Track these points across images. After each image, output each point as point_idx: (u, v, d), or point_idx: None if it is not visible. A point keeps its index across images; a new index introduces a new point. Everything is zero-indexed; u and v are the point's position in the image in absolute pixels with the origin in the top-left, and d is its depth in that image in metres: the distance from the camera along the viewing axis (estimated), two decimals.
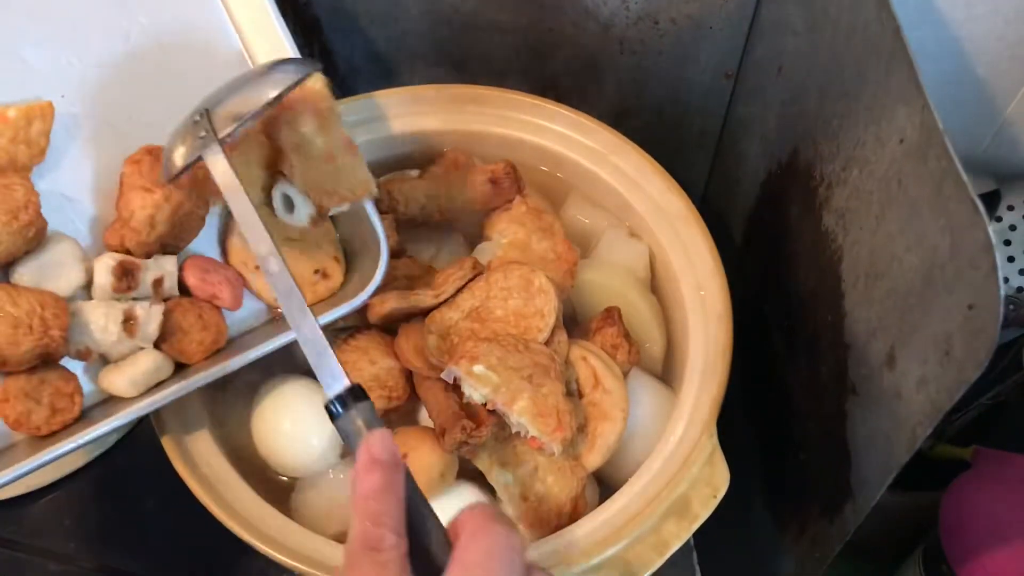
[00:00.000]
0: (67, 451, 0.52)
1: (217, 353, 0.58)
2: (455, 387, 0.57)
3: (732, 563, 0.74)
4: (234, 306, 0.59)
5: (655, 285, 0.68)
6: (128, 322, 0.54)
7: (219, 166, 0.51)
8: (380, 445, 0.40)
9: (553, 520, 0.56)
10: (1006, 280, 0.70)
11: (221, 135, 0.51)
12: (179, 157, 0.53)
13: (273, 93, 0.52)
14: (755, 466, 0.71)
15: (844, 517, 0.54)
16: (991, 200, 0.73)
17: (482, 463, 0.58)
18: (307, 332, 0.46)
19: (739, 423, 0.67)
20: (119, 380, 0.55)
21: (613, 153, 0.69)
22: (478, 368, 0.55)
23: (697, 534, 0.54)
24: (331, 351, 0.45)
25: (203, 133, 0.52)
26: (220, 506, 0.55)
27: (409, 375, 0.61)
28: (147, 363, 0.56)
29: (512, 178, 0.67)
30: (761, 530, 0.70)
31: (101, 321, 0.54)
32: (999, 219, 0.72)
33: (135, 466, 0.73)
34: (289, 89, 0.53)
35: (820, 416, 0.59)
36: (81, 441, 0.52)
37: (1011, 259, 0.71)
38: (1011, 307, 0.70)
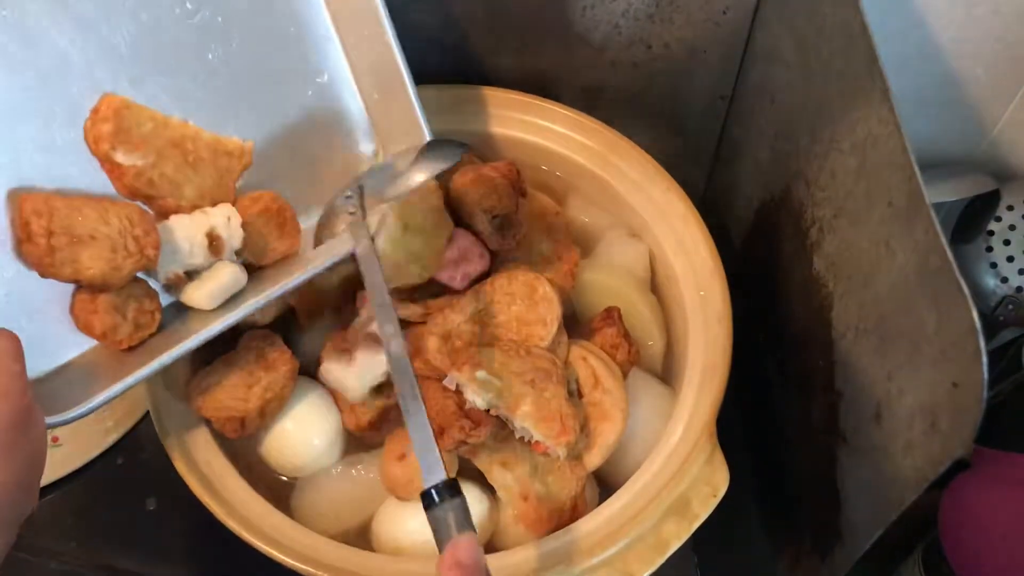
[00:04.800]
0: (158, 368, 0.52)
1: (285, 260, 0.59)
2: (456, 391, 0.57)
3: (732, 564, 0.73)
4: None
5: (655, 285, 0.68)
6: (213, 243, 0.55)
7: (363, 245, 0.54)
8: (466, 551, 0.42)
9: (553, 520, 0.56)
10: (1005, 280, 0.70)
11: (369, 216, 0.56)
12: (328, 231, 0.57)
13: (422, 178, 0.56)
14: (751, 482, 0.71)
15: (835, 559, 0.54)
16: (991, 200, 0.73)
17: (482, 463, 0.58)
18: (418, 421, 0.47)
19: (736, 432, 0.67)
20: (199, 294, 0.55)
21: (613, 153, 0.69)
22: (480, 374, 0.55)
23: (697, 534, 0.54)
24: (435, 443, 0.46)
25: (352, 210, 0.56)
26: (220, 506, 0.55)
27: None
28: (226, 277, 0.55)
29: (515, 180, 0.66)
30: (758, 548, 0.70)
31: (186, 246, 0.54)
32: (999, 219, 0.71)
33: (135, 466, 0.73)
34: (439, 173, 0.57)
35: (811, 454, 0.59)
36: (168, 359, 0.53)
37: (1011, 259, 0.70)
38: (1010, 307, 0.70)
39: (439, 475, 0.45)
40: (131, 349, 0.53)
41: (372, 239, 0.54)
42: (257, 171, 0.57)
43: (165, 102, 0.54)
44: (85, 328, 0.52)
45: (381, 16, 0.59)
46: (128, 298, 0.53)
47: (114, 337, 0.52)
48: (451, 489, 0.44)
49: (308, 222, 0.60)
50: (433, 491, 0.44)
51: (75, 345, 0.53)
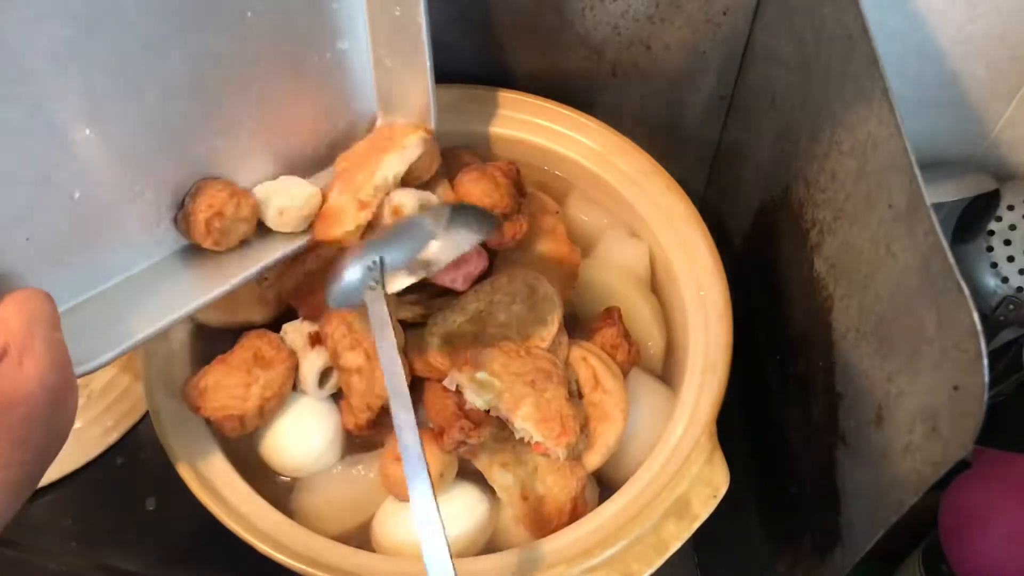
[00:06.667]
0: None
1: None
2: (456, 392, 0.57)
3: (732, 565, 0.74)
4: None
5: (655, 285, 0.68)
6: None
7: (379, 315, 0.52)
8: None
9: (553, 520, 0.56)
10: (1005, 280, 0.70)
11: (390, 290, 0.53)
12: (340, 296, 0.53)
13: (451, 257, 0.54)
14: (751, 482, 0.71)
15: (835, 560, 0.54)
16: (991, 200, 0.73)
17: (482, 463, 0.58)
18: (419, 497, 0.45)
19: (736, 432, 0.67)
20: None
21: (614, 153, 0.69)
22: (481, 375, 0.55)
23: (697, 534, 0.54)
24: (441, 525, 0.45)
25: (372, 284, 0.53)
26: (220, 506, 0.55)
27: None
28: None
29: (515, 179, 0.66)
30: (758, 548, 0.70)
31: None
32: (999, 219, 0.71)
33: (135, 466, 0.73)
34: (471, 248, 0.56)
35: (811, 455, 0.59)
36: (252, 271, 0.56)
37: (1011, 259, 0.70)
38: (1011, 307, 0.70)
39: None
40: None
41: (391, 311, 0.52)
42: (266, 131, 0.58)
43: (204, 60, 0.53)
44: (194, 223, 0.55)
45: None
46: (234, 219, 0.56)
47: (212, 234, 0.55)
48: None
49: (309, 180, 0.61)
50: None
51: (78, 290, 0.52)
